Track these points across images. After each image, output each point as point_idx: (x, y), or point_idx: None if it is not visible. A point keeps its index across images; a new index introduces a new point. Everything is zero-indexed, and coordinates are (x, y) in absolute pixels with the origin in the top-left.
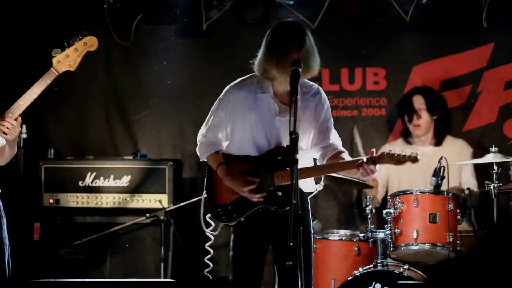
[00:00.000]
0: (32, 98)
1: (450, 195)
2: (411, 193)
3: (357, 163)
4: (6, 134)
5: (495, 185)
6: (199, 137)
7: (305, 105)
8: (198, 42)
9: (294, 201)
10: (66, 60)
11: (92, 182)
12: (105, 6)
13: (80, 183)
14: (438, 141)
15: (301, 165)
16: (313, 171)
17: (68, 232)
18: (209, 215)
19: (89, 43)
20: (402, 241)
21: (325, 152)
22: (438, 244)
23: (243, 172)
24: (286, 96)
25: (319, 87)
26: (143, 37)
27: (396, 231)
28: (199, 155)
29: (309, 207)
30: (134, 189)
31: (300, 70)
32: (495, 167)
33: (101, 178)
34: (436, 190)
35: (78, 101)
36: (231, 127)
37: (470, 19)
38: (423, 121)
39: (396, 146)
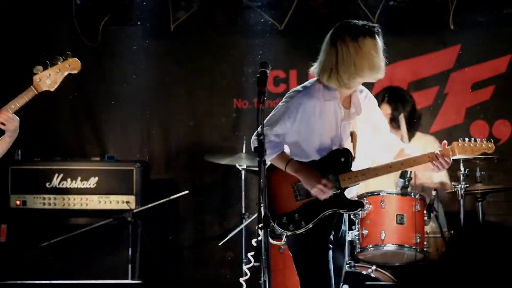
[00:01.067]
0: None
1: (417, 196)
2: (379, 194)
3: (431, 157)
4: (4, 125)
5: (462, 186)
6: (265, 134)
7: (364, 108)
8: (165, 43)
9: (262, 203)
10: (47, 79)
11: (59, 184)
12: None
13: (47, 184)
14: (408, 137)
15: (363, 166)
16: (382, 170)
17: (35, 234)
18: (261, 224)
19: (72, 65)
20: (370, 242)
21: (388, 150)
22: (405, 245)
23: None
24: (347, 101)
25: (368, 90)
26: (110, 38)
27: (363, 232)
28: (266, 156)
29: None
30: (102, 190)
31: (268, 71)
32: (462, 169)
33: (69, 179)
34: (404, 191)
35: (45, 102)
36: (296, 136)
37: (437, 21)
38: (392, 127)
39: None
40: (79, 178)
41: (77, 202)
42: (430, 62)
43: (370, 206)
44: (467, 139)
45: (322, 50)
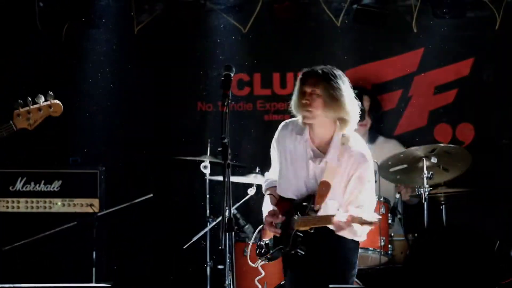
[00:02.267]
0: None
1: (381, 199)
2: None
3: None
4: None
5: (426, 189)
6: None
7: (343, 159)
8: (129, 46)
9: (226, 207)
10: (26, 116)
11: (22, 187)
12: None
13: (10, 188)
14: (371, 139)
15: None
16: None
17: None
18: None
19: (54, 108)
20: None
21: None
22: (370, 248)
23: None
24: (323, 145)
25: (364, 148)
26: (74, 41)
27: None
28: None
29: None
30: (66, 193)
31: (232, 74)
32: (425, 172)
33: (32, 182)
34: None
35: (8, 102)
36: (279, 166)
37: (401, 24)
38: (368, 121)
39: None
40: (42, 182)
41: (40, 206)
42: (393, 66)
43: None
44: (361, 215)
45: None
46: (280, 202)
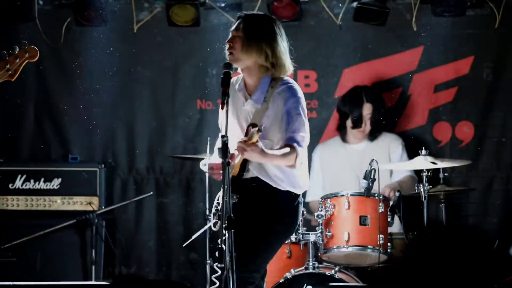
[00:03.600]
0: None
1: (380, 197)
2: (342, 195)
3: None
4: None
5: (425, 187)
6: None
7: (272, 100)
8: (128, 44)
9: (226, 201)
10: (5, 68)
11: (22, 185)
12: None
13: (10, 185)
14: (373, 137)
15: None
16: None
17: None
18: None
19: (30, 53)
20: (333, 243)
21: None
22: (369, 246)
23: None
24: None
25: (291, 84)
26: (73, 39)
27: (327, 233)
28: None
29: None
30: (65, 191)
31: (231, 72)
32: (425, 170)
33: (32, 180)
34: (367, 192)
35: (8, 102)
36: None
37: (400, 22)
38: (367, 127)
39: None
40: (42, 179)
41: (40, 203)
42: (393, 64)
43: (334, 207)
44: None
45: None
46: None
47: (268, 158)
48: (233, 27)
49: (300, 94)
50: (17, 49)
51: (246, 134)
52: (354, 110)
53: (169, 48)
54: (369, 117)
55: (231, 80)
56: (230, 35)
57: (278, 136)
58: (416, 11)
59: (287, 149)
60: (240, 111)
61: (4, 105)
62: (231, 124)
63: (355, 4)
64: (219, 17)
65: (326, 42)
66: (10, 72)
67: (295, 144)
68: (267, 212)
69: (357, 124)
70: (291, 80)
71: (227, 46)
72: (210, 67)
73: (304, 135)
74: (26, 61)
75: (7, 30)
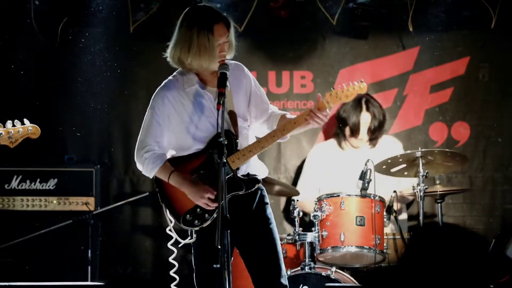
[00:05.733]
0: None
1: (376, 198)
2: (338, 195)
3: (308, 115)
4: None
5: (421, 188)
6: (140, 155)
7: (235, 83)
8: (125, 44)
9: (222, 202)
10: (8, 135)
11: (18, 185)
12: (31, 9)
13: (6, 186)
14: (373, 144)
15: (248, 141)
16: (266, 141)
17: None
18: (170, 226)
19: (33, 130)
20: (329, 243)
21: (270, 122)
22: (365, 246)
23: (198, 170)
24: (213, 79)
25: (238, 62)
26: (69, 40)
27: (323, 233)
28: (146, 173)
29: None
30: (61, 192)
31: (228, 73)
32: (421, 170)
33: (28, 181)
34: (363, 193)
35: (4, 102)
36: (172, 130)
37: (396, 23)
38: (365, 136)
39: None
40: (38, 180)
41: (36, 204)
42: (389, 64)
43: (330, 207)
44: (338, 86)
45: None
46: (183, 163)
47: None
48: (218, 33)
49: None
50: (20, 123)
51: (233, 122)
52: (353, 117)
53: (165, 48)
54: (368, 126)
55: (168, 85)
56: (222, 40)
57: (248, 109)
58: (412, 11)
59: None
60: (209, 107)
61: (0, 105)
62: (187, 122)
63: (351, 4)
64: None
65: (322, 42)
66: (11, 140)
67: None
68: (268, 210)
69: (355, 132)
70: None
71: (224, 53)
72: None
73: None
74: (27, 136)
75: (3, 30)
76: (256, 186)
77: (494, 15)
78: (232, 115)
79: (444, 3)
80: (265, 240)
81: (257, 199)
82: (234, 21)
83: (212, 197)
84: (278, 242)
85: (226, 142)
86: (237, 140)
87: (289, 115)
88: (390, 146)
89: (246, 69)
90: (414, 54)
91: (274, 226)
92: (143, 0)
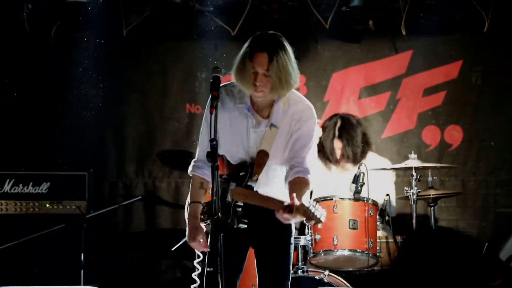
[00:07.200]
0: None
1: (369, 201)
2: (331, 199)
3: (277, 207)
4: None
5: (414, 191)
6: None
7: (284, 122)
8: (118, 47)
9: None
10: None
11: (11, 189)
12: (24, 13)
13: None
14: (357, 164)
15: (274, 183)
16: (261, 201)
17: None
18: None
19: None
20: (322, 247)
21: (288, 173)
22: (358, 250)
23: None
24: (265, 111)
25: (306, 105)
26: (63, 43)
27: (316, 237)
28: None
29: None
30: (54, 195)
31: (221, 76)
32: (414, 174)
33: (20, 184)
34: (356, 196)
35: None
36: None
37: (389, 27)
38: (340, 162)
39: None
40: (31, 183)
41: (29, 208)
42: (382, 68)
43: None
44: (312, 207)
45: None
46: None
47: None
48: (257, 62)
49: (313, 113)
50: None
51: (259, 161)
52: (327, 143)
53: (158, 52)
54: (340, 153)
55: (226, 89)
56: (251, 68)
57: (284, 154)
58: (405, 15)
59: (307, 187)
60: (246, 130)
61: None
62: (227, 135)
63: (344, 8)
64: (208, 21)
65: (315, 46)
66: None
67: (309, 177)
68: (284, 229)
69: (332, 158)
70: (303, 97)
71: (257, 84)
72: (199, 71)
73: (314, 163)
74: None
75: None
76: (241, 226)
77: (487, 19)
78: (263, 154)
79: (437, 7)
80: (279, 263)
81: None
82: (226, 24)
83: (201, 245)
84: (290, 264)
85: (242, 174)
86: (255, 177)
87: (298, 186)
88: (378, 164)
89: (310, 113)
90: (407, 57)
91: (291, 247)
92: (136, 3)
